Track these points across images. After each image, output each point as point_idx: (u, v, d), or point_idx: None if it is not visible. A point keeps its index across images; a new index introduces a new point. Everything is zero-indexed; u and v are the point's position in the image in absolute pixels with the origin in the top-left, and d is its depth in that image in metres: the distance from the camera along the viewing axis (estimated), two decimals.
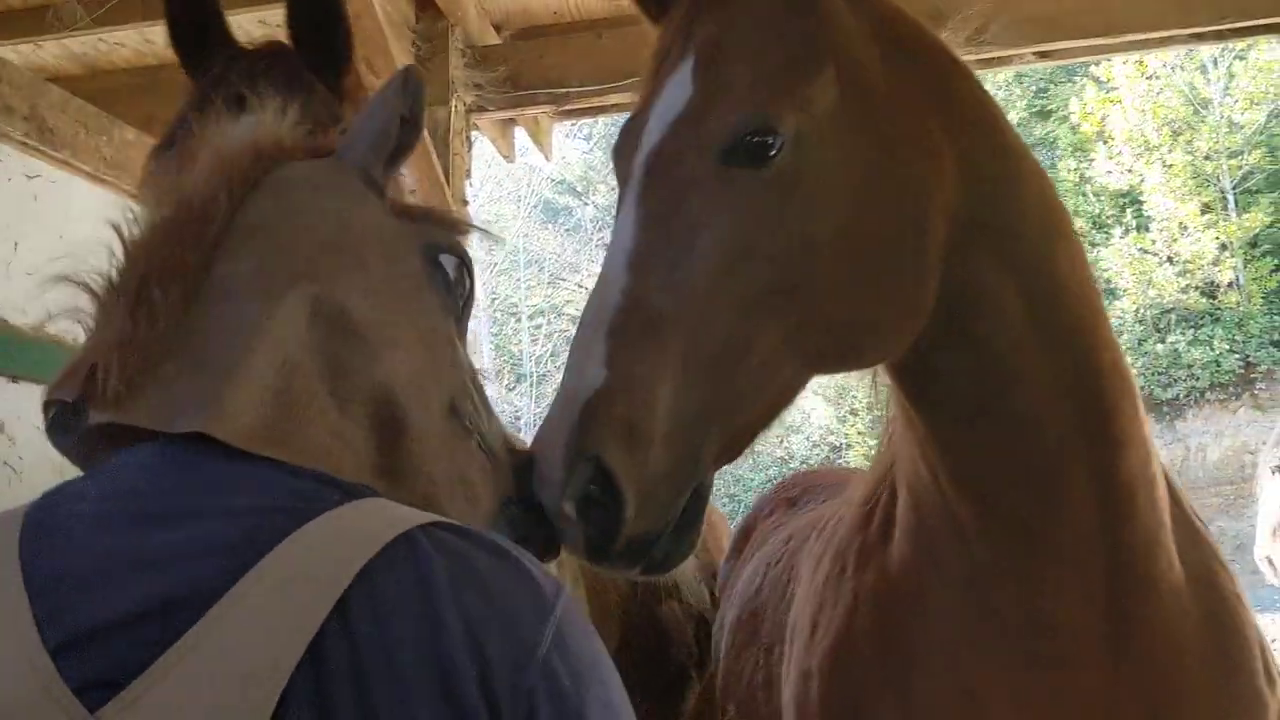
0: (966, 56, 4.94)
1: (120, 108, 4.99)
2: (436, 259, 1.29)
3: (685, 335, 1.46)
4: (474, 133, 5.31)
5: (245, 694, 0.84)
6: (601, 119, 6.39)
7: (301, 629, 0.86)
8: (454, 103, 4.93)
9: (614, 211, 1.69)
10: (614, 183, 1.77)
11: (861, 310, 1.65)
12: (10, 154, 2.84)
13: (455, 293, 1.30)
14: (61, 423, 1.08)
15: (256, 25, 5.45)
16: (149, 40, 5.63)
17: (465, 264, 1.32)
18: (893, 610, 2.00)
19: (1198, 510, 2.09)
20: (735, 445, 1.60)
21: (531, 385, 31.19)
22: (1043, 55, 5.14)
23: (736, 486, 23.07)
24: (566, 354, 1.57)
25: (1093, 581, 1.80)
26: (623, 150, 1.71)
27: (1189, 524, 1.96)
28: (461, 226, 1.36)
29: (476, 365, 1.38)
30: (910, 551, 2.00)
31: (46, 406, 1.10)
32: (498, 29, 5.40)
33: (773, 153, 1.55)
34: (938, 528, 1.92)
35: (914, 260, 1.67)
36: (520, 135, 5.79)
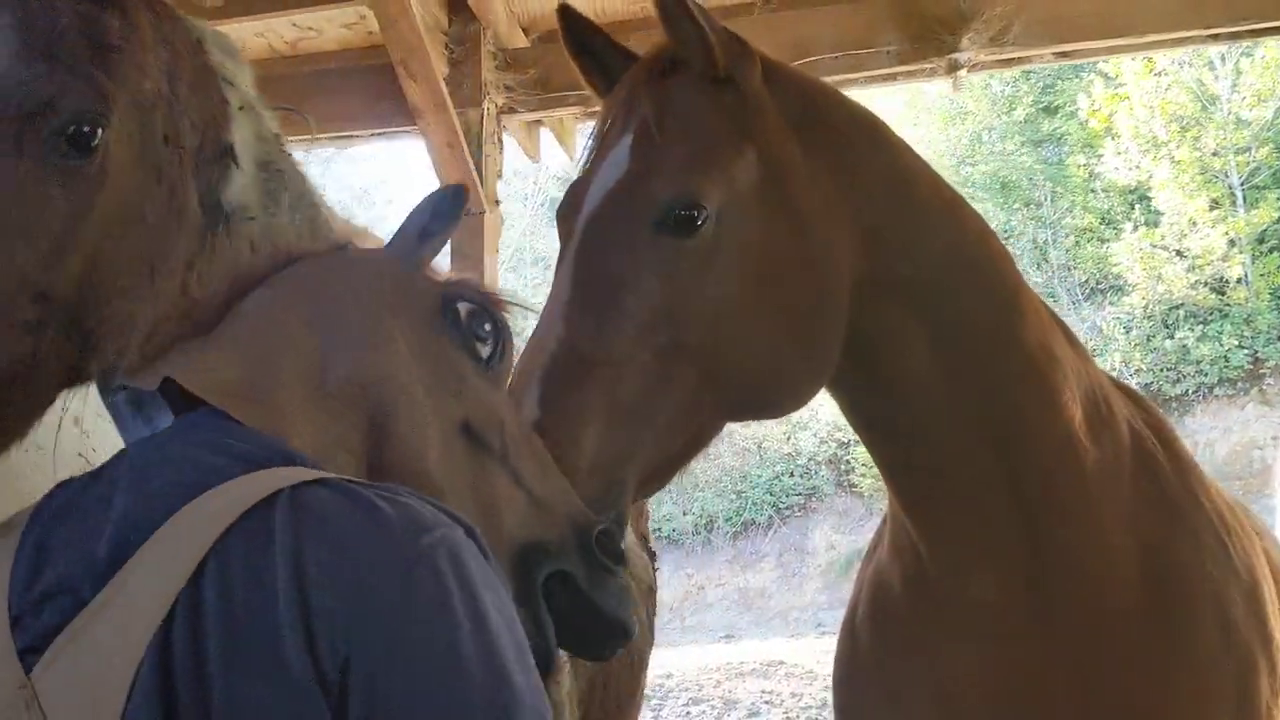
0: (987, 57, 5.02)
1: None
2: (453, 303, 1.46)
3: (610, 381, 1.65)
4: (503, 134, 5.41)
5: (111, 668, 0.95)
6: None
7: (162, 600, 0.96)
8: (486, 105, 5.02)
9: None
10: None
11: (771, 367, 1.84)
12: None
13: (469, 332, 1.45)
14: (102, 386, 1.34)
15: (252, 37, 5.56)
16: None
17: (488, 315, 1.48)
18: (876, 596, 2.30)
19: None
20: (657, 478, 1.80)
21: None
22: (1062, 55, 5.22)
23: (743, 483, 23.12)
24: None
25: (1014, 569, 2.03)
26: (565, 211, 1.90)
27: (1164, 500, 2.13)
28: (491, 297, 1.52)
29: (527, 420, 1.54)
30: (888, 550, 2.28)
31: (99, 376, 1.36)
32: (526, 32, 5.50)
33: (699, 224, 1.74)
34: (899, 529, 2.19)
35: (821, 324, 1.86)
36: (545, 135, 5.88)
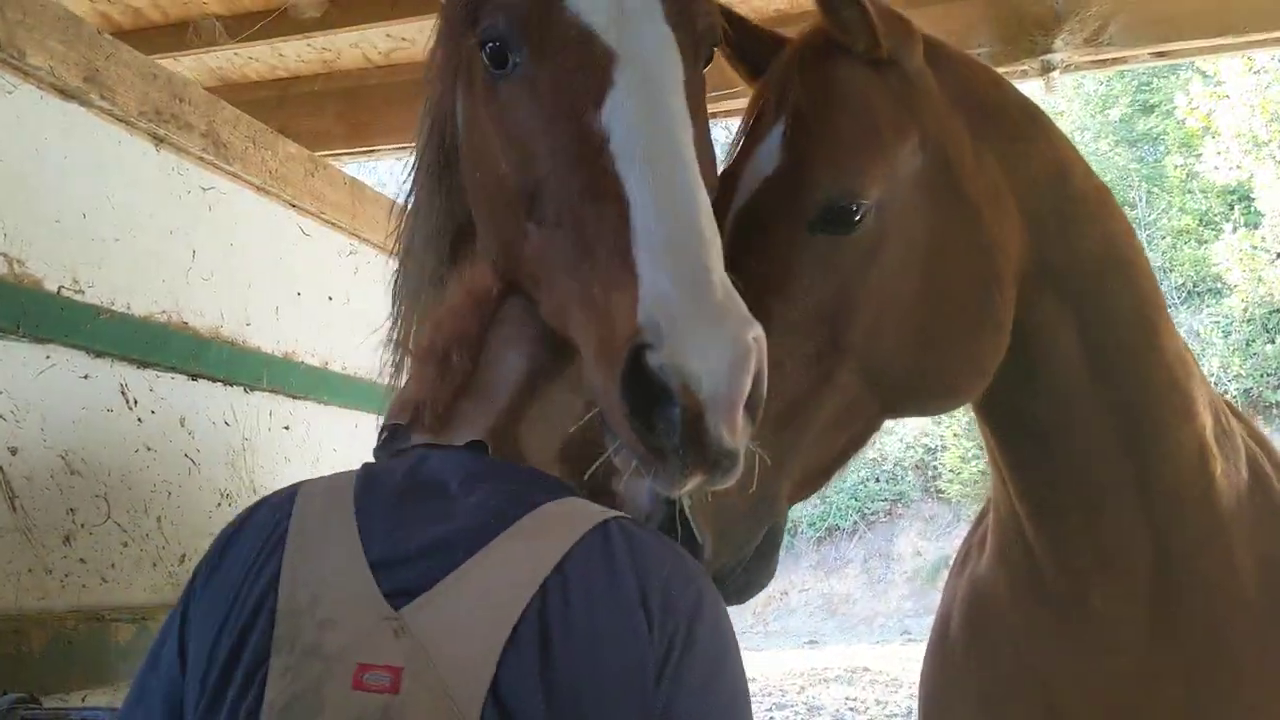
0: (1082, 58, 4.93)
1: (255, 119, 5.26)
2: None
3: (770, 385, 1.53)
4: None
5: (496, 613, 1.22)
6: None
7: (535, 575, 1.25)
8: None
9: None
10: None
11: (939, 363, 1.78)
12: (189, 168, 3.05)
13: None
14: (393, 439, 1.53)
15: (348, 47, 5.68)
16: (281, 55, 5.89)
17: None
18: (975, 606, 2.25)
19: None
20: (811, 484, 1.75)
21: None
22: (1160, 55, 5.11)
23: (828, 488, 22.96)
24: None
25: (1136, 581, 1.97)
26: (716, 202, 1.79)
27: (1276, 516, 2.07)
28: None
29: None
30: (993, 558, 2.22)
31: (383, 429, 1.55)
32: None
33: (857, 219, 1.65)
34: (1010, 536, 2.12)
35: (990, 316, 1.79)
36: None
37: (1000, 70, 4.97)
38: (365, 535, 1.32)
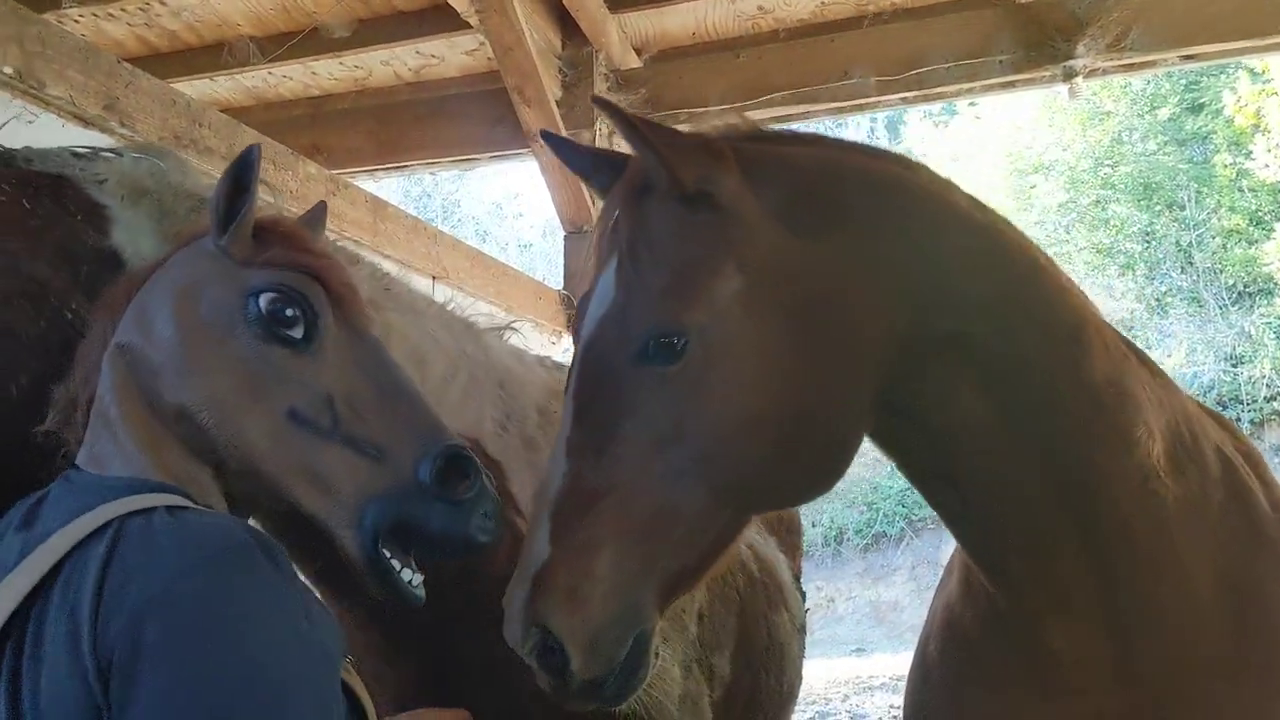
0: (1106, 63, 4.90)
1: (287, 137, 5.36)
2: (254, 298, 1.54)
3: (618, 508, 1.62)
4: None
5: None
6: None
7: (9, 603, 1.22)
8: (598, 125, 5.14)
9: None
10: None
11: (791, 472, 1.76)
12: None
13: (274, 321, 1.54)
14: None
15: (379, 65, 5.77)
16: (313, 74, 6.02)
17: (287, 294, 1.55)
18: (950, 629, 2.21)
19: None
20: (683, 586, 1.76)
21: None
22: (1188, 59, 5.07)
23: (874, 494, 22.81)
24: None
25: (1091, 619, 1.91)
26: (575, 328, 1.87)
27: (1258, 535, 2.01)
28: (302, 263, 1.61)
29: (367, 381, 1.61)
30: (959, 586, 2.19)
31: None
32: (638, 52, 5.61)
33: (679, 350, 1.67)
34: (973, 569, 2.08)
35: (841, 417, 1.76)
36: None
37: (1023, 77, 5.02)
38: None
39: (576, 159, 2.03)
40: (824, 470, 1.79)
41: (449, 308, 2.49)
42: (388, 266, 4.12)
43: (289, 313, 1.54)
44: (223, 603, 1.20)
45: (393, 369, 1.64)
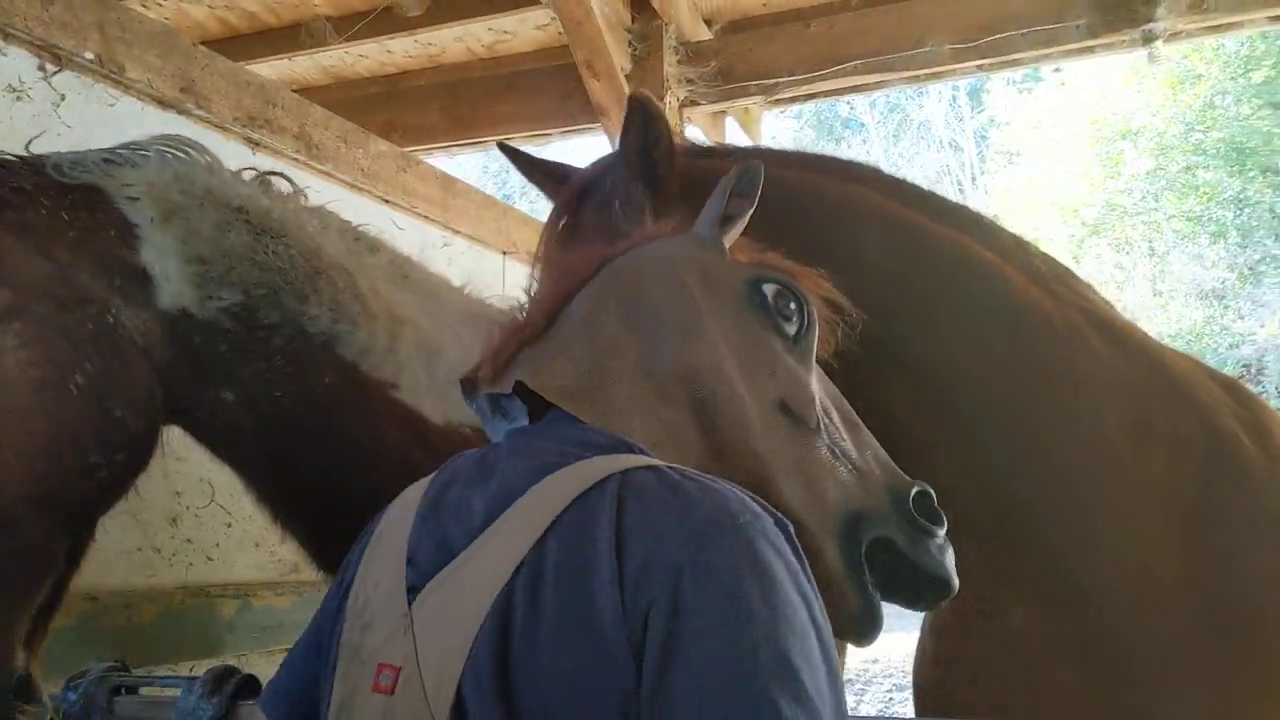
0: (1188, 25, 4.76)
1: (363, 115, 5.44)
2: (758, 285, 1.54)
3: None
4: (687, 125, 5.51)
5: (474, 603, 1.12)
6: (811, 105, 6.48)
7: (516, 554, 1.12)
8: (669, 99, 5.13)
9: None
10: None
11: None
12: (284, 169, 3.20)
13: (777, 312, 1.53)
14: (466, 392, 1.53)
15: (452, 42, 5.81)
16: (389, 52, 6.09)
17: (791, 291, 1.56)
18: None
19: None
20: None
21: None
22: (1276, 19, 4.89)
23: None
24: None
25: (1047, 599, 1.93)
26: None
27: (1246, 505, 1.97)
28: (791, 270, 1.62)
29: (834, 403, 1.59)
30: None
31: (461, 383, 1.53)
32: (709, 23, 5.58)
33: None
34: None
35: None
36: (731, 124, 5.95)
37: (1102, 41, 4.89)
38: (414, 530, 1.29)
39: (527, 169, 2.22)
40: None
41: (466, 291, 2.53)
42: (459, 241, 4.20)
43: (790, 307, 1.54)
44: (758, 567, 1.07)
45: (844, 400, 1.63)
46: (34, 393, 1.65)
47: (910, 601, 1.49)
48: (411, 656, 1.14)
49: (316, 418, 2.11)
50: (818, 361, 1.59)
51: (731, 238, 1.64)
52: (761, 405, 1.42)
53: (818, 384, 1.54)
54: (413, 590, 1.20)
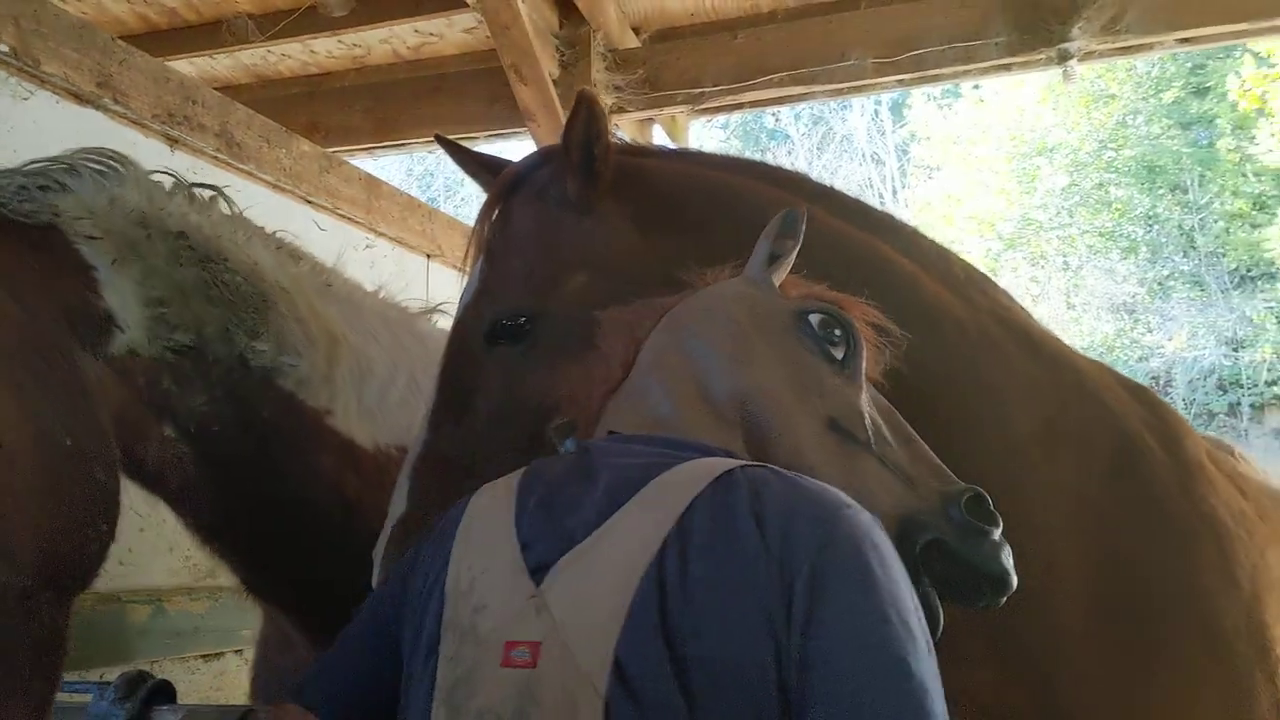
0: (1101, 46, 4.89)
1: (286, 115, 5.37)
2: (804, 315, 1.67)
3: (468, 475, 1.80)
4: (615, 131, 5.52)
5: (618, 578, 1.24)
6: (737, 115, 6.54)
7: (657, 534, 1.25)
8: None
9: None
10: None
11: None
12: (204, 168, 3.15)
13: (824, 339, 1.65)
14: (564, 436, 1.61)
15: (377, 44, 5.77)
16: (313, 52, 6.02)
17: (836, 319, 1.67)
18: None
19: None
20: None
21: None
22: (1185, 42, 5.06)
23: None
24: None
25: None
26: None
27: (1152, 508, 2.06)
28: (837, 300, 1.75)
29: (884, 416, 1.68)
30: None
31: (558, 429, 1.62)
32: (636, 31, 5.60)
33: (526, 328, 1.93)
34: None
35: None
36: (658, 132, 5.98)
37: (1018, 60, 5.02)
38: (519, 518, 1.39)
39: (463, 161, 2.30)
40: None
41: (382, 295, 2.56)
42: (382, 243, 4.16)
43: (837, 333, 1.66)
44: (871, 542, 1.25)
45: (897, 414, 1.69)
46: (34, 449, 1.55)
47: (969, 600, 1.55)
48: (553, 630, 1.23)
49: (253, 449, 2.09)
50: (869, 380, 1.70)
51: (780, 275, 1.77)
52: (812, 423, 1.54)
53: (868, 402, 1.64)
54: (540, 571, 1.30)
